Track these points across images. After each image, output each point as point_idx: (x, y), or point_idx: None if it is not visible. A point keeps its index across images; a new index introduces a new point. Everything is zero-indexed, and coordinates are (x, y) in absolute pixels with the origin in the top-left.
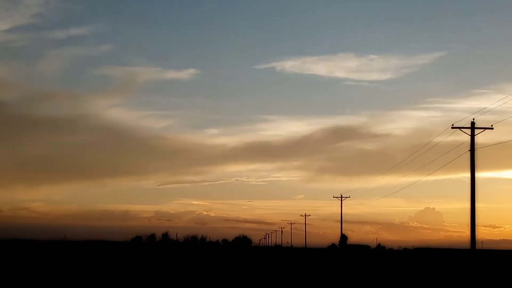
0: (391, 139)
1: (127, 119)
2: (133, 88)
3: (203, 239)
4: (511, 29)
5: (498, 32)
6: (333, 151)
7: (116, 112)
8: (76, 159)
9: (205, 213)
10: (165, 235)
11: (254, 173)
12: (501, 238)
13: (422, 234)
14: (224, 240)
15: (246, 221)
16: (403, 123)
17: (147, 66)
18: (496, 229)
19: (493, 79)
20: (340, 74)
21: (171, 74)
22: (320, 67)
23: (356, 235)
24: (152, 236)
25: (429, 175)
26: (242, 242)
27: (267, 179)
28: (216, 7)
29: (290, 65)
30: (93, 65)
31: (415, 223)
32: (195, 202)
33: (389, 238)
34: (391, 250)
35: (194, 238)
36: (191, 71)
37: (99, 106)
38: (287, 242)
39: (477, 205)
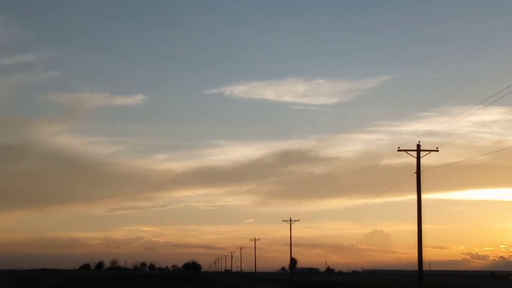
0: (339, 162)
1: (75, 145)
2: (80, 114)
3: (152, 265)
4: (455, 53)
5: (443, 56)
6: (282, 175)
7: (63, 138)
8: (23, 186)
9: (154, 239)
10: (114, 262)
11: (204, 198)
12: (448, 259)
13: (371, 256)
14: (174, 266)
15: (195, 246)
16: (351, 146)
17: (94, 92)
18: (443, 250)
19: (438, 102)
20: (288, 98)
21: (119, 100)
22: (269, 91)
23: (305, 258)
24: (101, 263)
25: (376, 197)
26: (191, 268)
27: (217, 203)
28: (164, 32)
29: (239, 90)
30: (40, 92)
31: (364, 245)
32: (144, 228)
33: (339, 260)
34: (340, 273)
35: (143, 264)
36: (139, 96)
37: (46, 132)
38: (237, 267)
39: (424, 226)
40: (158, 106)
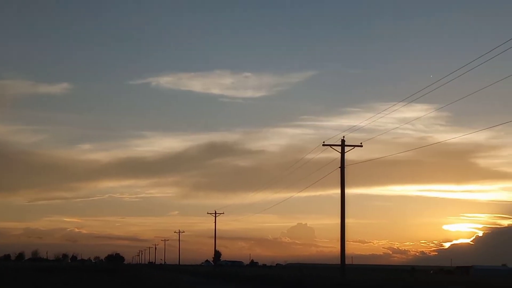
0: (265, 155)
1: None
2: (3, 102)
3: (74, 257)
4: (380, 51)
5: (369, 53)
6: (207, 167)
7: None
8: None
9: (76, 230)
10: (35, 253)
11: (128, 189)
12: (370, 253)
13: (295, 250)
14: (96, 258)
15: (119, 238)
16: (276, 140)
17: (18, 80)
18: (365, 244)
19: (364, 98)
20: (215, 90)
21: (43, 88)
22: (196, 83)
23: (230, 251)
24: (21, 254)
25: (301, 191)
26: (114, 260)
27: (141, 195)
28: (89, 21)
29: (165, 81)
30: None
31: (288, 238)
32: (66, 219)
33: (263, 253)
34: (264, 266)
35: (65, 256)
36: (64, 85)
37: None
38: (161, 259)
39: (347, 220)
40: (82, 95)
